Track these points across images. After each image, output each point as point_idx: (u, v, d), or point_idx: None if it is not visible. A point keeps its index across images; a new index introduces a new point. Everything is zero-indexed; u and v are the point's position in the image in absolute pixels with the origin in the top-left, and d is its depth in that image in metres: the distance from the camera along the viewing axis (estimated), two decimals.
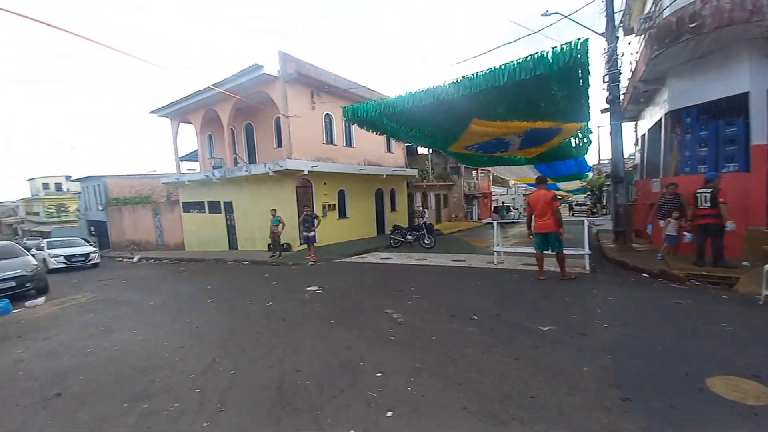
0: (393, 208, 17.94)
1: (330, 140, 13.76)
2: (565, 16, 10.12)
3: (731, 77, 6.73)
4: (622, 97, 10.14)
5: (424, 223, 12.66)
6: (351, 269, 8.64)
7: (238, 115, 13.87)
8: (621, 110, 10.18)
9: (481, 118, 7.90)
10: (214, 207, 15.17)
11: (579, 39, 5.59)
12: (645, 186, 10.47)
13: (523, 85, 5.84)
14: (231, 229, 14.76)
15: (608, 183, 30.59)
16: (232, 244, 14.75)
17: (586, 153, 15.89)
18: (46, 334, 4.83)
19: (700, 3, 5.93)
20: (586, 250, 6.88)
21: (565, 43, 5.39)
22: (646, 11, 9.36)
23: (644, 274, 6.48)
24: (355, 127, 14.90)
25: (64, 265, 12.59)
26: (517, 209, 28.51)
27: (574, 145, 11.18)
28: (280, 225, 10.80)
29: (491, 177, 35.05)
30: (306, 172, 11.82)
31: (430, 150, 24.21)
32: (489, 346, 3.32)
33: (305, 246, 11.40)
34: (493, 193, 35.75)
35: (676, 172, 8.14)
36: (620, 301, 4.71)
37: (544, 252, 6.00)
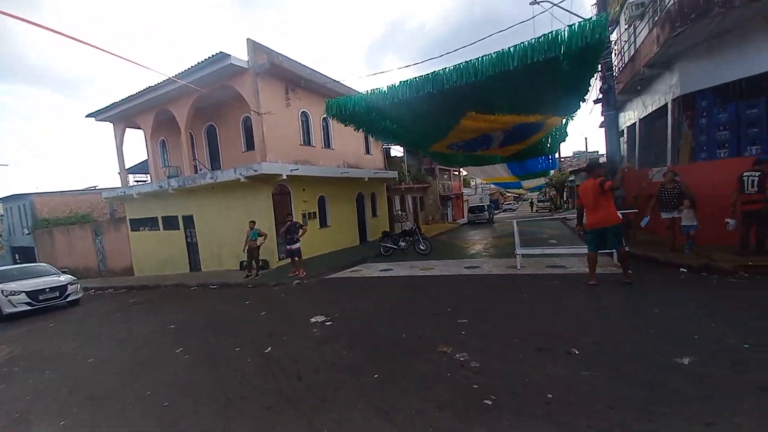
0: (374, 214, 16.70)
1: (308, 141, 12.28)
2: (555, 5, 9.67)
3: (751, 56, 6.38)
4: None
5: (417, 227, 11.58)
6: (350, 287, 7.29)
7: (198, 116, 11.97)
8: (615, 100, 9.84)
9: (477, 112, 7.06)
10: (170, 223, 13.00)
11: (600, 15, 4.90)
12: (639, 177, 10.17)
13: (531, 70, 5.06)
14: (192, 247, 12.70)
15: (570, 179, 31.46)
16: (194, 264, 12.68)
17: (557, 150, 15.73)
18: None
19: None
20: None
21: (584, 20, 4.66)
22: None
23: (682, 269, 5.87)
24: (333, 127, 13.59)
25: (28, 308, 8.31)
26: (490, 207, 28.24)
27: (549, 142, 10.81)
28: (260, 238, 9.17)
29: (462, 178, 35.05)
30: (285, 177, 10.27)
31: (405, 151, 23.40)
32: (645, 405, 2.21)
33: (287, 261, 9.86)
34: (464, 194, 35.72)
35: (691, 158, 7.77)
36: (709, 307, 3.85)
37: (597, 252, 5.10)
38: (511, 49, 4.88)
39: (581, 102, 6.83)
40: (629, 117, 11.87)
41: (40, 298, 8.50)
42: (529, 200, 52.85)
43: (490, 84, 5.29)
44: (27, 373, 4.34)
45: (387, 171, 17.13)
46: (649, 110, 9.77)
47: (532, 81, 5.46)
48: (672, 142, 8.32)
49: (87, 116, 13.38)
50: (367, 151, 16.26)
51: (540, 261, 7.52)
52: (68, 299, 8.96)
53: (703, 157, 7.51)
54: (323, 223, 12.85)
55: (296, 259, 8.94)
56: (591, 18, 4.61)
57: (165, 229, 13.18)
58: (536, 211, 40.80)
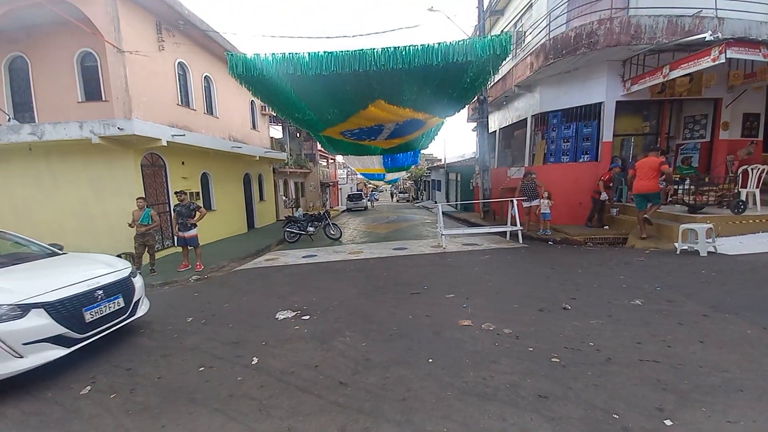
0: (261, 198, 14.97)
1: (186, 102, 9.77)
2: (449, 18, 11.07)
3: (591, 89, 8.92)
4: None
5: (327, 212, 11.09)
6: (281, 277, 6.37)
7: None
8: (487, 110, 12.05)
9: (386, 101, 7.28)
10: None
11: (506, 33, 5.82)
12: (500, 173, 12.81)
13: (445, 69, 5.56)
14: None
15: (426, 173, 36.62)
16: None
17: (427, 146, 17.75)
18: None
19: (596, 24, 7.49)
20: (519, 226, 7.71)
21: (495, 35, 5.47)
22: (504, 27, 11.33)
23: (550, 243, 7.93)
24: (217, 93, 11.28)
25: (64, 351, 2.96)
26: (366, 198, 29.80)
27: (422, 139, 12.32)
28: (153, 223, 6.77)
29: (337, 166, 35.36)
30: (165, 143, 7.89)
31: (286, 133, 21.82)
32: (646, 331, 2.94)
33: (168, 252, 7.74)
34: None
35: (544, 161, 10.30)
36: (614, 263, 5.38)
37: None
38: (435, 46, 5.14)
39: (463, 107, 7.99)
40: (491, 126, 14.66)
41: (90, 318, 3.27)
42: (390, 191, 58.46)
43: (408, 75, 5.36)
44: None
45: (278, 152, 15.57)
46: (510, 122, 12.33)
47: (441, 80, 5.87)
48: (529, 148, 10.81)
49: None
50: (254, 127, 14.30)
51: (451, 240, 8.56)
52: (137, 314, 3.87)
53: (551, 161, 10.09)
54: (207, 206, 10.60)
55: (189, 248, 7.15)
56: (498, 35, 5.32)
57: None
58: (397, 201, 45.77)
